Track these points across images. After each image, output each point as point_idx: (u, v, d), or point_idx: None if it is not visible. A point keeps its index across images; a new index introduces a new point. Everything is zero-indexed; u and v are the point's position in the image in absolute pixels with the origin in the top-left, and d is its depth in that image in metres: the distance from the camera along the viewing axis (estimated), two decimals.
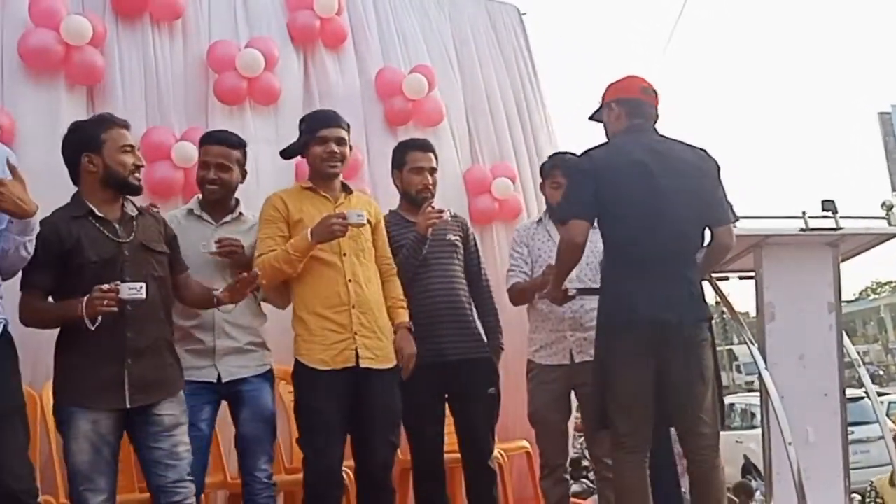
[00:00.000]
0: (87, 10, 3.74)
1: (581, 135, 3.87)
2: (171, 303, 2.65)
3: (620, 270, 2.79)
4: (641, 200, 2.73)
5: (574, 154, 3.55)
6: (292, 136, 4.09)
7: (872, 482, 4.75)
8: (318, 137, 2.93)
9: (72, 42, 3.57)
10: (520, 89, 5.01)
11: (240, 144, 3.10)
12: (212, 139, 3.09)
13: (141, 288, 2.36)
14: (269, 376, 3.00)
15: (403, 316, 3.00)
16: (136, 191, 2.57)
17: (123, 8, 3.84)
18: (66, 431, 2.39)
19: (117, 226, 2.51)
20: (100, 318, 2.34)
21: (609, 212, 2.77)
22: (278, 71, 4.18)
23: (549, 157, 3.77)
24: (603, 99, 3.00)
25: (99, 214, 2.49)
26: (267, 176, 3.88)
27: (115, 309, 2.32)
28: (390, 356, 2.90)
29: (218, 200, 3.03)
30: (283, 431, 3.55)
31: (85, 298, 2.32)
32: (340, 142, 2.96)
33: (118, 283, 2.35)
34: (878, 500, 4.71)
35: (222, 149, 3.03)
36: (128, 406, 2.41)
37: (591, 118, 3.08)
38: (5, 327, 2.29)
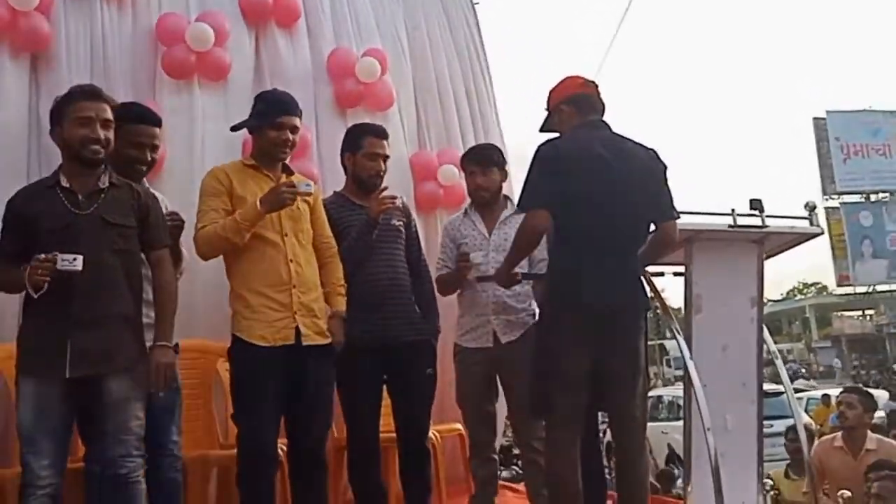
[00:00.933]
0: None
1: (526, 126, 3.97)
2: (139, 277, 2.62)
3: (571, 256, 2.85)
4: (599, 191, 2.81)
5: (493, 147, 3.82)
6: (241, 113, 4.11)
7: (769, 474, 4.94)
8: (275, 123, 2.95)
9: (18, 7, 3.51)
10: (470, 77, 5.08)
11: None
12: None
13: (75, 260, 2.37)
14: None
15: (341, 304, 3.04)
16: (90, 163, 2.55)
17: None
18: (17, 396, 2.44)
19: (80, 197, 2.52)
20: (45, 286, 2.36)
21: (567, 200, 2.82)
22: (229, 47, 4.17)
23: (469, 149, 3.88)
24: (549, 106, 3.08)
25: (64, 185, 2.51)
26: (213, 151, 3.88)
27: (48, 278, 2.35)
28: (327, 335, 2.95)
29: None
30: (219, 407, 3.60)
31: (28, 267, 2.34)
32: (294, 130, 3.00)
33: (56, 253, 2.37)
34: (775, 491, 4.91)
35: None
36: (67, 376, 2.41)
37: (542, 130, 3.13)
38: None
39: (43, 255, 2.36)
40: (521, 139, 4.35)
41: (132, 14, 3.99)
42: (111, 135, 2.58)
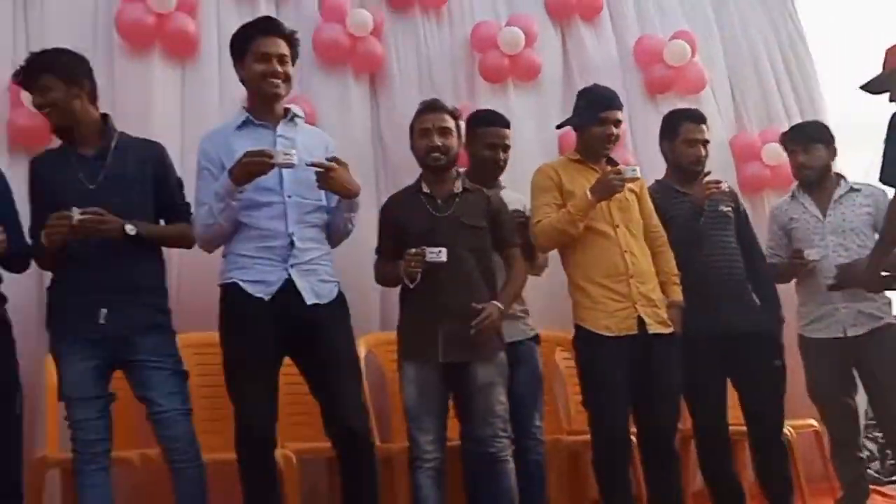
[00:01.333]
0: (367, 3, 4.05)
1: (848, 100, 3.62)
2: (492, 273, 2.80)
3: None
4: None
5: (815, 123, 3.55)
6: (553, 110, 4.24)
7: None
8: (599, 118, 2.97)
9: (356, 34, 3.88)
10: (788, 49, 4.76)
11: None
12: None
13: (440, 252, 2.59)
14: (536, 339, 3.14)
15: (677, 293, 2.99)
16: (433, 170, 2.83)
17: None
18: (401, 379, 2.71)
19: (439, 201, 2.78)
20: (418, 277, 2.62)
21: None
22: (537, 47, 4.28)
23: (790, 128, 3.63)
24: (886, 66, 2.74)
25: (425, 191, 2.79)
26: (530, 148, 3.98)
27: (420, 269, 2.60)
28: (669, 324, 2.91)
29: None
30: (560, 394, 3.70)
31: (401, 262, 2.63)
32: (617, 124, 3.01)
33: (423, 247, 2.60)
34: None
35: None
36: (440, 360, 2.64)
37: (868, 89, 2.79)
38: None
39: (413, 250, 2.61)
40: (851, 109, 3.97)
41: (449, 25, 4.24)
42: (451, 142, 2.80)
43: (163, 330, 2.57)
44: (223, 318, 2.54)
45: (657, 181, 3.37)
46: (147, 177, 2.61)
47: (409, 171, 3.75)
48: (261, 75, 2.57)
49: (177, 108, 3.70)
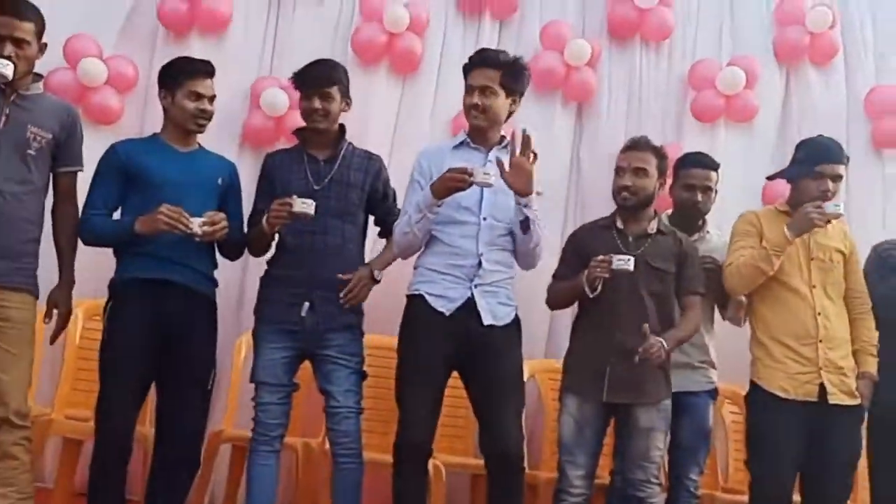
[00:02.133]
0: (587, 33, 4.13)
1: None
2: (670, 320, 2.78)
3: None
4: None
5: None
6: (763, 153, 4.09)
7: None
8: (814, 172, 2.85)
9: (573, 63, 3.97)
10: None
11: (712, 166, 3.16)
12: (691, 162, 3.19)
13: (629, 261, 2.61)
14: (713, 394, 3.07)
15: (871, 364, 2.83)
16: (621, 208, 2.89)
17: (618, 30, 4.14)
18: (560, 408, 2.79)
19: (630, 239, 2.81)
20: (599, 287, 2.66)
21: None
22: (757, 88, 4.14)
23: None
24: None
25: (619, 227, 2.84)
26: (734, 192, 3.86)
27: (605, 275, 2.62)
28: (856, 395, 2.76)
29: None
30: (721, 450, 3.59)
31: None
32: (836, 178, 2.87)
33: (611, 255, 2.63)
34: None
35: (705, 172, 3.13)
36: (604, 399, 2.67)
37: None
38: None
39: (601, 256, 2.64)
40: None
41: (668, 59, 4.20)
42: (643, 182, 2.80)
43: (353, 330, 2.79)
44: (404, 326, 2.72)
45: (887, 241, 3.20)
46: (365, 186, 2.85)
47: (600, 203, 3.82)
48: (467, 109, 2.73)
49: (392, 118, 3.99)
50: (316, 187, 2.79)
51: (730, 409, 3.59)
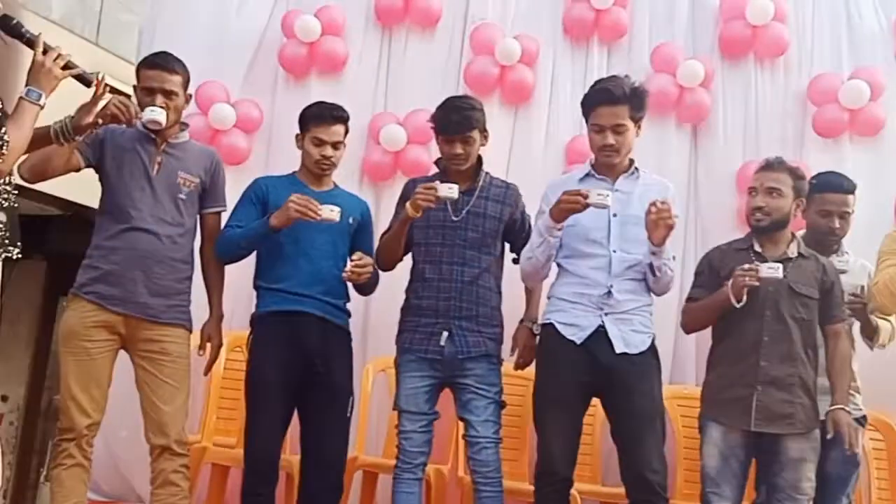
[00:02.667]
0: (698, 54, 4.08)
1: None
2: (815, 347, 2.71)
3: None
4: None
5: None
6: (892, 168, 3.93)
7: None
8: None
9: (686, 84, 3.94)
10: None
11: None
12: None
13: (777, 268, 2.56)
14: (862, 421, 2.94)
15: None
16: (754, 230, 2.82)
17: (731, 48, 4.07)
18: (701, 437, 2.73)
19: (769, 262, 2.71)
20: (744, 298, 2.61)
21: None
22: (883, 100, 4.00)
23: None
24: None
25: (756, 250, 2.77)
26: (863, 208, 3.66)
27: (753, 284, 2.58)
28: None
29: None
30: (862, 477, 3.43)
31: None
32: None
33: (757, 264, 2.60)
34: None
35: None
36: (751, 429, 2.61)
37: None
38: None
39: (747, 266, 2.62)
40: None
41: (784, 75, 4.10)
42: (777, 203, 2.75)
43: (491, 359, 2.82)
44: (539, 355, 2.75)
45: None
46: (503, 217, 2.89)
47: (720, 224, 3.79)
48: (598, 149, 2.74)
49: (506, 148, 4.03)
50: (454, 218, 2.85)
51: (870, 435, 3.43)
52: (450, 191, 2.69)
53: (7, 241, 2.11)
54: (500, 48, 3.91)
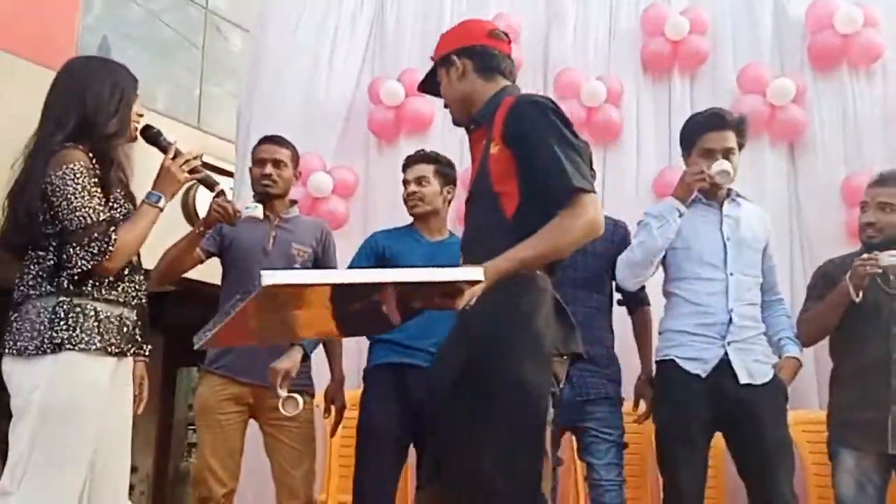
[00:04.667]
0: (787, 70, 4.00)
1: None
2: None
3: None
4: None
5: None
6: None
7: None
8: None
9: (776, 103, 3.86)
10: None
11: None
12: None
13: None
14: None
15: None
16: None
17: (821, 60, 3.98)
18: (833, 464, 2.64)
19: (892, 278, 2.68)
20: (865, 284, 2.57)
21: None
22: None
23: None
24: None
25: None
26: None
27: (875, 272, 2.54)
28: None
29: None
30: None
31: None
32: None
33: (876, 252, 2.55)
34: None
35: None
36: (889, 451, 2.51)
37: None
38: None
39: (866, 255, 2.58)
40: None
41: (882, 82, 3.96)
42: (890, 218, 2.69)
43: (612, 401, 2.80)
44: (659, 393, 2.71)
45: None
46: (611, 254, 2.88)
47: (825, 239, 3.66)
48: (715, 173, 2.67)
49: (598, 188, 4.00)
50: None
51: None
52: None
53: (139, 339, 2.20)
54: (585, 90, 3.94)
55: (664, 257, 2.81)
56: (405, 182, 2.99)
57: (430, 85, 2.17)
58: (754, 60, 4.00)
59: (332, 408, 3.00)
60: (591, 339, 2.77)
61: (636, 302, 2.98)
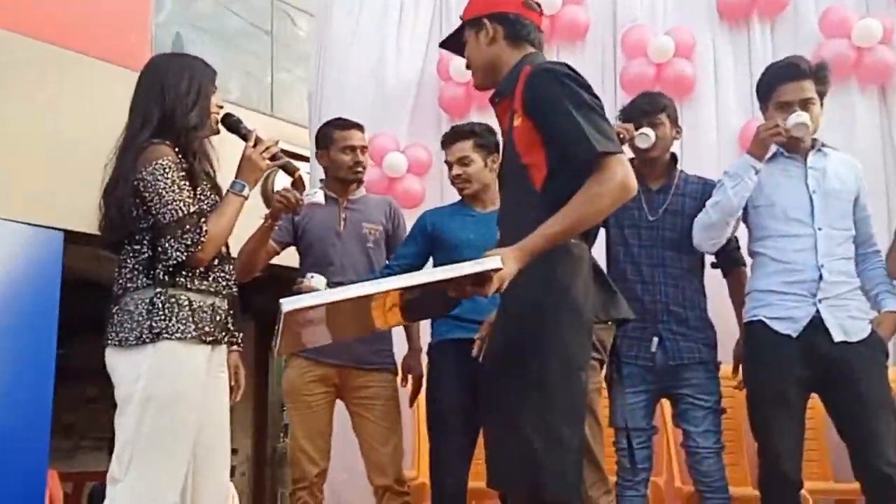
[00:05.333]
0: (872, 10, 3.78)
1: None
2: None
3: None
4: None
5: None
6: None
7: None
8: None
9: (862, 45, 3.66)
10: None
11: None
12: None
13: None
14: None
15: None
16: None
17: None
18: None
19: None
20: None
21: None
22: None
23: None
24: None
25: None
26: None
27: None
28: None
29: None
30: None
31: None
32: None
33: None
34: None
35: None
36: None
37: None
38: None
39: None
40: None
41: None
42: None
43: (708, 366, 2.72)
44: (749, 354, 2.62)
45: None
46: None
47: None
48: (793, 126, 2.55)
49: (676, 145, 3.90)
50: (651, 218, 2.78)
51: None
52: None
53: (231, 327, 2.25)
54: (652, 47, 3.83)
55: (746, 216, 2.72)
56: (448, 164, 2.97)
57: (452, 43, 2.16)
58: (837, 2, 3.80)
59: (410, 378, 3.02)
60: (683, 301, 2.72)
61: (730, 262, 2.88)
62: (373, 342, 2.89)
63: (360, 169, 3.09)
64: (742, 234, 2.83)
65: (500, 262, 1.63)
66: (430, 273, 1.60)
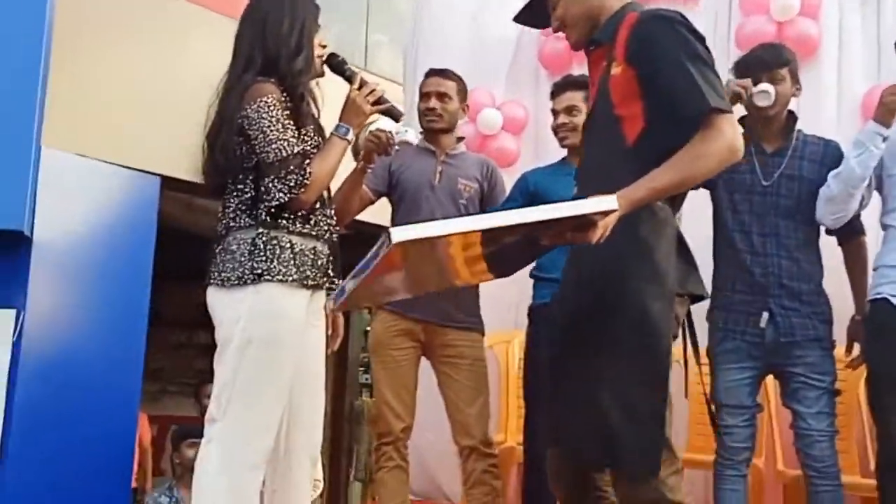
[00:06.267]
0: None
1: None
2: None
3: None
4: None
5: None
6: None
7: None
8: None
9: None
10: None
11: None
12: None
13: None
14: None
15: None
16: None
17: None
18: None
19: None
20: None
21: None
22: None
23: None
24: None
25: None
26: None
27: None
28: None
29: None
30: None
31: None
32: None
33: None
34: None
35: None
36: None
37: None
38: None
39: None
40: None
41: None
42: None
43: (823, 343, 2.54)
44: (872, 334, 2.44)
45: None
46: (820, 179, 2.57)
47: None
48: None
49: (793, 108, 3.67)
50: (765, 183, 2.60)
51: None
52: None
53: (331, 273, 2.19)
54: (775, 5, 3.57)
55: (880, 187, 2.53)
56: (554, 112, 2.88)
57: (526, 15, 2.03)
58: None
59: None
60: (798, 274, 2.53)
61: (848, 230, 2.66)
62: (458, 299, 2.82)
63: (431, 117, 2.97)
64: (875, 205, 2.62)
65: (616, 204, 1.48)
66: (553, 208, 1.43)
